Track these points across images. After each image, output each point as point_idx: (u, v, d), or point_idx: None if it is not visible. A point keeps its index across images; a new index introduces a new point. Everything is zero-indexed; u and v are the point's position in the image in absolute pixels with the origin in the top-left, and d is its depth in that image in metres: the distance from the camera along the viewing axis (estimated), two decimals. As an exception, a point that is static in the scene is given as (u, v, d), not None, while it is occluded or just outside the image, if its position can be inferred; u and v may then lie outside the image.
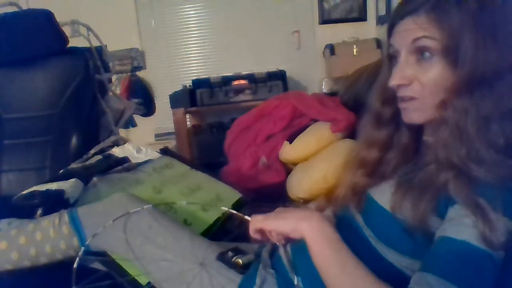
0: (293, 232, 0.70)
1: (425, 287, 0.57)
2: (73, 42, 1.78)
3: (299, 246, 0.74)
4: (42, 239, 0.97)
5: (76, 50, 1.72)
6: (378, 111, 0.76)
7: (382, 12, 3.01)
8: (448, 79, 0.65)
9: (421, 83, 0.67)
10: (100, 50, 1.92)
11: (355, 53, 2.89)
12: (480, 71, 0.62)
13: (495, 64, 0.62)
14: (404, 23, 0.68)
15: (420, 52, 0.67)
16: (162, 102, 3.20)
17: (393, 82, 0.69)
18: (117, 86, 3.08)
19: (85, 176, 1.23)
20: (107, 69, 1.97)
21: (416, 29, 0.66)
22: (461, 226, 0.60)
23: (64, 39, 1.66)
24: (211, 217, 1.16)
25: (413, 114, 0.71)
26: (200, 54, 3.38)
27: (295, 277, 0.74)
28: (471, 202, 0.59)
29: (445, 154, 0.64)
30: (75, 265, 0.86)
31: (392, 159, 0.77)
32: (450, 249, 0.60)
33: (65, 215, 0.99)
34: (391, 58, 0.73)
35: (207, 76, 2.90)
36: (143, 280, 0.90)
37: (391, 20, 0.71)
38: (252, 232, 0.77)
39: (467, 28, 0.62)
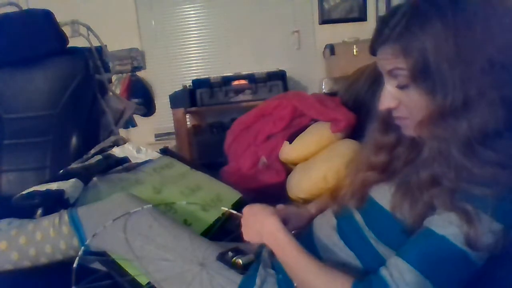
0: (263, 243, 0.78)
1: (394, 271, 0.61)
2: (73, 42, 1.78)
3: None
4: (42, 239, 0.97)
5: (76, 50, 1.72)
6: (385, 117, 0.76)
7: (382, 12, 3.01)
8: (428, 105, 0.65)
9: (406, 106, 0.69)
10: (100, 50, 1.92)
11: (355, 53, 2.88)
12: (451, 97, 0.62)
13: (467, 87, 0.61)
14: (380, 52, 0.69)
15: (397, 80, 0.68)
16: (162, 102, 3.19)
17: (381, 107, 0.72)
18: (117, 86, 3.07)
19: (85, 176, 1.23)
20: (107, 69, 1.97)
21: (388, 60, 0.67)
22: (445, 222, 0.61)
23: (64, 39, 1.66)
24: (211, 217, 1.16)
25: (408, 130, 0.73)
26: (200, 54, 3.38)
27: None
28: (457, 210, 0.60)
29: (427, 174, 0.65)
30: (74, 265, 0.86)
31: (402, 154, 0.77)
32: (427, 241, 0.62)
33: (65, 215, 0.99)
34: None
35: (207, 76, 2.89)
36: (143, 280, 0.90)
37: (369, 49, 0.72)
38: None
39: (432, 56, 0.62)
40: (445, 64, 0.61)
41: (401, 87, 0.68)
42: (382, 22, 0.68)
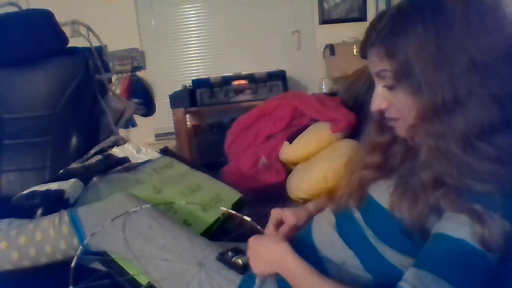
0: (274, 272, 0.75)
1: (418, 284, 0.58)
2: (73, 42, 1.78)
3: (297, 248, 0.74)
4: (42, 239, 0.97)
5: (76, 50, 1.72)
6: (380, 118, 0.77)
7: (382, 12, 3.00)
8: (416, 105, 0.66)
9: (396, 107, 0.70)
10: (100, 50, 1.92)
11: (355, 53, 2.88)
12: (440, 96, 0.62)
13: (454, 86, 0.61)
14: (369, 55, 0.71)
15: (385, 81, 0.70)
16: (162, 102, 3.19)
17: (372, 108, 0.73)
18: (117, 86, 3.07)
19: (85, 176, 1.23)
20: (107, 69, 1.96)
21: (376, 62, 0.69)
22: (458, 224, 0.60)
23: (64, 39, 1.66)
24: (211, 217, 1.16)
25: (401, 131, 0.73)
26: (200, 54, 3.38)
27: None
28: (467, 211, 0.60)
29: (429, 175, 0.64)
30: (72, 264, 0.86)
31: (397, 153, 0.78)
32: (446, 246, 0.60)
33: (65, 215, 1.00)
34: None
35: (207, 76, 2.89)
36: (142, 280, 0.90)
37: (360, 52, 0.73)
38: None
39: (415, 57, 0.63)
40: (428, 65, 0.62)
41: (389, 88, 0.70)
42: (370, 26, 0.70)
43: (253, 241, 0.80)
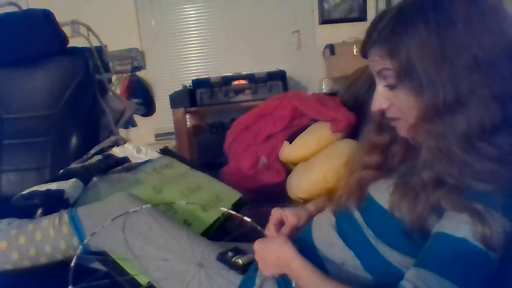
0: (283, 273, 0.75)
1: (419, 283, 0.58)
2: (73, 42, 1.78)
3: (297, 248, 0.74)
4: (42, 239, 0.97)
5: (76, 50, 1.71)
6: (379, 118, 0.77)
7: (382, 12, 3.00)
8: (417, 104, 0.66)
9: (397, 107, 0.70)
10: (100, 50, 1.92)
11: (355, 53, 2.88)
12: (442, 95, 0.62)
13: (456, 86, 0.62)
14: (370, 54, 0.71)
15: (386, 81, 0.69)
16: (162, 102, 3.19)
17: (373, 108, 0.73)
18: (117, 86, 3.07)
19: (85, 176, 1.23)
20: (107, 69, 1.96)
21: (377, 61, 0.69)
22: (459, 224, 0.60)
23: (64, 39, 1.66)
24: (211, 217, 1.16)
25: (402, 131, 0.73)
26: (200, 54, 3.38)
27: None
28: (468, 210, 0.60)
29: (430, 175, 0.65)
30: (72, 264, 0.86)
31: (397, 152, 0.78)
32: (447, 246, 0.60)
33: (65, 215, 1.00)
34: None
35: (207, 76, 2.89)
36: (142, 280, 0.90)
37: (360, 52, 0.73)
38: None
39: (417, 56, 0.63)
40: (430, 64, 0.62)
41: (390, 87, 0.70)
42: (372, 26, 0.70)
43: (258, 245, 0.79)
